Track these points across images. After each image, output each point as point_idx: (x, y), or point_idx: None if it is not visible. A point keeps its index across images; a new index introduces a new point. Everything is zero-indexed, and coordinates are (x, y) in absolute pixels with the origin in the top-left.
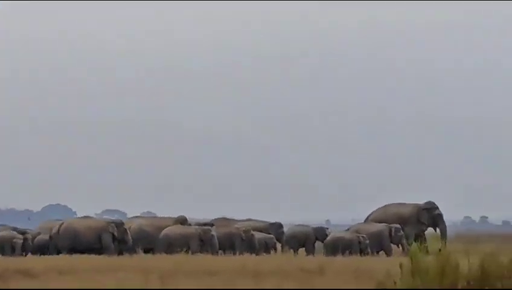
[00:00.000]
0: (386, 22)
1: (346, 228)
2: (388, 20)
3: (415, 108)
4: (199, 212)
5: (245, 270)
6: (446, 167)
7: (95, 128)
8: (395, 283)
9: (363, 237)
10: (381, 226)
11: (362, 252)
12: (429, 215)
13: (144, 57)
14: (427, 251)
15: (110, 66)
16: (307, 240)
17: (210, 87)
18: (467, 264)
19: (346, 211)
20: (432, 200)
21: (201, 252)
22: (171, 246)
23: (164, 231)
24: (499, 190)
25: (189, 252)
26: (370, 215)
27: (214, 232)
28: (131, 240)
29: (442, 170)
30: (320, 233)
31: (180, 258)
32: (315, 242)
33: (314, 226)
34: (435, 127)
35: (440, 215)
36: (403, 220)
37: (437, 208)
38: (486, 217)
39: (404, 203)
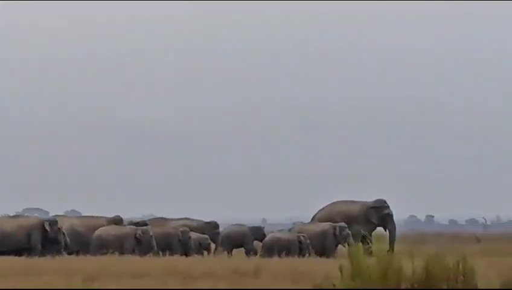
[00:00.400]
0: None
1: (289, 228)
2: None
3: (352, 102)
4: (129, 211)
5: (175, 272)
6: (390, 163)
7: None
8: (334, 285)
9: (303, 236)
10: (325, 225)
11: (302, 253)
12: (378, 214)
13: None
14: (371, 252)
15: None
16: (245, 240)
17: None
18: (411, 266)
19: (282, 210)
20: (382, 198)
21: (139, 253)
22: (104, 247)
23: (97, 232)
24: (446, 188)
25: (124, 253)
26: (316, 214)
27: (151, 233)
28: (64, 240)
29: (387, 166)
30: (258, 233)
31: (107, 260)
32: (253, 242)
33: (251, 225)
34: (378, 122)
35: (389, 215)
36: (350, 219)
37: (387, 207)
38: (432, 216)
39: (353, 201)
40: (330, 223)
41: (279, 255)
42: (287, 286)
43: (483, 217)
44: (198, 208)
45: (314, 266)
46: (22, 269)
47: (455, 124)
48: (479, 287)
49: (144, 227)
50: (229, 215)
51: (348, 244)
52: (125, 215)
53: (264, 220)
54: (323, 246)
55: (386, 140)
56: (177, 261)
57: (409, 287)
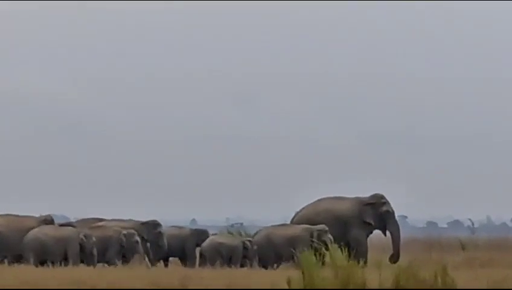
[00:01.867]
0: None
1: (256, 231)
2: None
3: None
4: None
5: (78, 284)
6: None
7: None
8: None
9: (249, 241)
10: (299, 228)
11: (249, 261)
12: (375, 212)
13: None
14: (323, 262)
15: None
16: (185, 246)
17: None
18: (378, 279)
19: (215, 209)
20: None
21: (83, 261)
22: (44, 253)
23: (32, 234)
24: (424, 181)
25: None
26: (297, 213)
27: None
28: None
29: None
30: (201, 237)
31: None
32: (195, 249)
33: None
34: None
35: (390, 213)
36: (340, 220)
37: (385, 203)
38: (406, 217)
39: (342, 197)
40: (307, 225)
41: (221, 265)
42: None
43: (469, 219)
44: (108, 207)
45: (258, 277)
46: None
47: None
48: None
49: (84, 230)
50: (149, 216)
51: (329, 253)
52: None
53: (194, 221)
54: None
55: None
56: (81, 271)
57: None
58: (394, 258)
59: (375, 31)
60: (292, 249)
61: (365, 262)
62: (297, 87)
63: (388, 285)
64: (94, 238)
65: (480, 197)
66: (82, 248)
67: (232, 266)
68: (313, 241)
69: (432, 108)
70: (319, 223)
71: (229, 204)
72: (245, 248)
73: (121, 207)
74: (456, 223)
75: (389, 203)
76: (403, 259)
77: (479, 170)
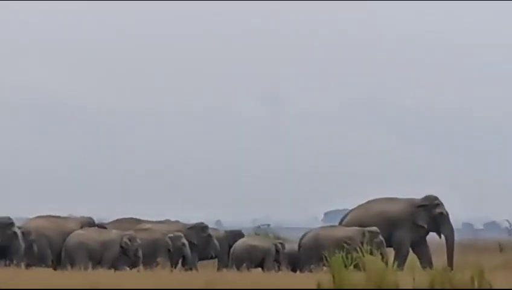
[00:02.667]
0: None
1: (305, 232)
2: None
3: None
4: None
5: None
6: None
7: None
8: None
9: (281, 244)
10: (350, 230)
11: (279, 264)
12: (427, 214)
13: None
14: (356, 265)
15: None
16: (220, 247)
17: None
18: (411, 283)
19: (241, 210)
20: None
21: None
22: (90, 257)
23: (77, 237)
24: (458, 181)
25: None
26: (346, 215)
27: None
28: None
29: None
30: (236, 239)
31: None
32: (229, 252)
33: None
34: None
35: (443, 216)
36: (391, 222)
37: (438, 204)
38: None
39: (394, 199)
40: (358, 227)
41: (250, 267)
42: None
43: (507, 220)
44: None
45: (286, 281)
46: None
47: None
48: None
49: (129, 233)
50: (173, 216)
51: (382, 255)
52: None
53: (218, 222)
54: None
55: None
56: (103, 275)
57: None
58: (448, 262)
59: None
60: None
61: (399, 265)
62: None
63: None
64: (139, 241)
65: None
66: (125, 250)
67: (265, 270)
68: (363, 244)
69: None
70: (370, 225)
71: (255, 205)
72: (277, 251)
73: (144, 208)
74: (492, 225)
75: (442, 205)
76: (439, 262)
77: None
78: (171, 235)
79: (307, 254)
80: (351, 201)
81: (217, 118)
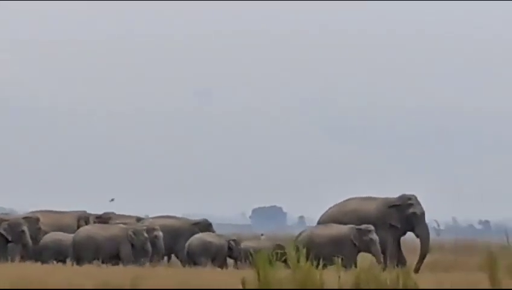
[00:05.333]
0: None
1: (300, 232)
2: None
3: None
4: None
5: (24, 284)
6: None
7: None
8: None
9: (234, 241)
10: (343, 228)
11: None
12: (400, 214)
13: None
14: (284, 261)
15: None
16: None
17: None
18: (337, 281)
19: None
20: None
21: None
22: (97, 252)
23: (84, 233)
24: (384, 176)
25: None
26: (325, 213)
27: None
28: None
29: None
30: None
31: None
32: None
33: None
34: None
35: (417, 215)
36: (365, 222)
37: (413, 204)
38: None
39: (370, 198)
40: (351, 225)
41: (204, 264)
42: None
43: (434, 220)
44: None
45: (212, 277)
46: None
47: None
48: None
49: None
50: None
51: (374, 253)
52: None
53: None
54: (340, 253)
55: None
56: (31, 269)
57: None
58: (419, 262)
59: None
60: (335, 249)
61: (385, 264)
62: None
63: (347, 287)
64: (146, 234)
65: (446, 199)
66: (132, 245)
67: (216, 266)
68: (355, 241)
69: None
70: (346, 224)
71: (186, 200)
72: (230, 248)
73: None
74: None
75: (417, 205)
76: (366, 261)
77: (444, 170)
78: (134, 229)
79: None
80: (279, 198)
81: (149, 115)
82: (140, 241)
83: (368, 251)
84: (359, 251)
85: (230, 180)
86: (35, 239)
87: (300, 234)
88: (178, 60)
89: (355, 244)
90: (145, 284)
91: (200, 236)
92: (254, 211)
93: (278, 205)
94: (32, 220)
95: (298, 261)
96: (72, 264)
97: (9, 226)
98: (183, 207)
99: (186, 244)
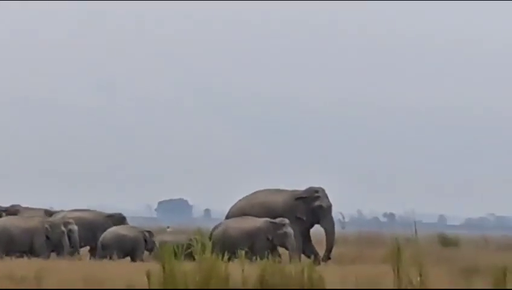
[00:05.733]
0: None
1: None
2: None
3: None
4: None
5: None
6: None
7: None
8: None
9: (148, 233)
10: (259, 221)
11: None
12: (307, 207)
13: None
14: (192, 254)
15: None
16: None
17: None
18: (241, 274)
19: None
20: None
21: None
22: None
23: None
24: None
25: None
26: (234, 205)
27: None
28: None
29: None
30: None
31: None
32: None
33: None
34: None
35: (322, 208)
36: (273, 214)
37: (319, 197)
38: None
39: (279, 190)
40: (267, 219)
41: (119, 257)
42: None
43: (340, 213)
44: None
45: (116, 270)
46: None
47: None
48: None
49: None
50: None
51: (287, 248)
52: None
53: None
54: (254, 247)
55: None
56: None
57: None
58: (326, 255)
59: None
60: (249, 243)
61: (299, 259)
62: None
63: (252, 280)
64: (63, 228)
65: (352, 191)
66: (47, 237)
67: (136, 259)
68: (268, 235)
69: None
70: (252, 215)
71: (90, 192)
72: (145, 240)
73: None
74: None
75: (323, 198)
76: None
77: (350, 162)
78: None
79: (217, 247)
80: (185, 191)
81: (48, 108)
82: (57, 234)
83: (283, 244)
84: (274, 245)
85: (135, 172)
86: None
87: (216, 227)
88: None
89: (268, 238)
90: (49, 277)
91: (114, 229)
92: (160, 203)
93: (184, 197)
94: None
95: (203, 253)
96: None
97: None
98: (87, 200)
99: (100, 237)
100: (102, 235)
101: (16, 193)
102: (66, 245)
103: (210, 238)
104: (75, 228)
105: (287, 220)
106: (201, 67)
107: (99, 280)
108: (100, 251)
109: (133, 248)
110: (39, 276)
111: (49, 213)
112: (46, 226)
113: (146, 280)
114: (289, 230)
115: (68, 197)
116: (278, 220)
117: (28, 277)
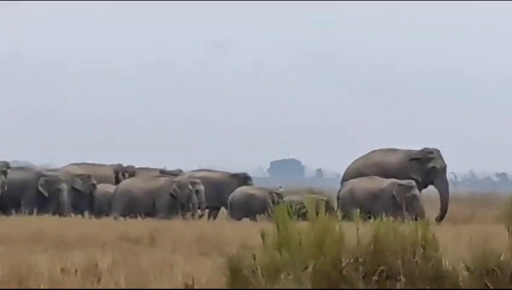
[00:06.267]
0: None
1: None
2: None
3: None
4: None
5: (45, 237)
6: None
7: None
8: (254, 257)
9: (276, 194)
10: (384, 182)
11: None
12: (421, 167)
13: None
14: (304, 214)
15: None
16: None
17: None
18: (356, 234)
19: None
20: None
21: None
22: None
23: (124, 185)
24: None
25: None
26: (349, 166)
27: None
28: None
29: None
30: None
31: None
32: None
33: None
34: None
35: (436, 169)
36: (388, 174)
37: (433, 158)
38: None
39: (394, 150)
40: (393, 179)
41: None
42: (193, 258)
43: (452, 172)
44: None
45: (230, 230)
46: None
47: None
48: (443, 263)
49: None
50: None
51: (414, 209)
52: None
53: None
54: (380, 208)
55: None
56: (47, 222)
57: (352, 261)
58: (440, 216)
59: None
60: (375, 203)
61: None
62: None
63: (367, 239)
64: (190, 187)
65: (464, 151)
66: (175, 198)
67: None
68: (396, 196)
69: None
70: (368, 175)
71: (202, 154)
72: (272, 201)
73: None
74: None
75: (438, 159)
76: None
77: (462, 123)
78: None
79: (344, 206)
80: (297, 151)
81: (161, 69)
82: (185, 194)
83: (410, 206)
84: (399, 207)
85: (248, 133)
86: (91, 195)
87: (342, 187)
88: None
89: (396, 200)
90: (163, 237)
91: (243, 189)
92: (272, 163)
93: (296, 158)
94: (85, 177)
95: (317, 214)
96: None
97: (46, 182)
98: (202, 160)
99: (229, 197)
100: (231, 195)
101: (131, 153)
102: (194, 205)
103: (338, 198)
104: (201, 188)
105: (413, 182)
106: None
107: (212, 240)
108: (229, 210)
109: (262, 208)
110: (153, 236)
111: (164, 173)
112: (174, 187)
113: (260, 239)
114: (417, 192)
115: (180, 158)
116: (405, 182)
117: (143, 237)
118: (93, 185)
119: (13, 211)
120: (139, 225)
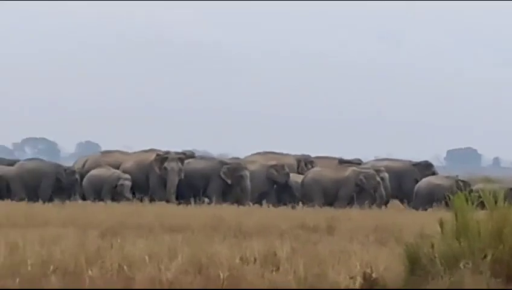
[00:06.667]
0: None
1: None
2: None
3: None
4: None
5: (223, 225)
6: None
7: None
8: (432, 246)
9: (463, 182)
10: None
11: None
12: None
13: None
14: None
15: None
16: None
17: None
18: None
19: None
20: None
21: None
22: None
23: (312, 175)
24: None
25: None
26: None
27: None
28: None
29: None
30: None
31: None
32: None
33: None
34: None
35: None
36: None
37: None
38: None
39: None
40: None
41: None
42: (370, 247)
43: None
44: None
45: (407, 219)
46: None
47: None
48: None
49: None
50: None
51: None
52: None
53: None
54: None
55: None
56: (226, 211)
57: None
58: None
59: None
60: None
61: None
62: None
63: None
64: (378, 178)
65: None
66: (358, 187)
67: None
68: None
69: None
70: None
71: (375, 143)
72: (459, 189)
73: None
74: None
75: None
76: None
77: None
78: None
79: None
80: (474, 140)
81: (326, 60)
82: (371, 185)
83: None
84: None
85: (425, 122)
86: (286, 183)
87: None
88: None
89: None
90: (341, 226)
91: (429, 179)
92: (448, 152)
93: (472, 146)
94: (279, 166)
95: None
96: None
97: (229, 170)
98: (380, 149)
99: (416, 187)
100: (417, 185)
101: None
102: (381, 195)
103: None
104: (386, 175)
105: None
106: None
107: (389, 229)
108: (414, 199)
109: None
110: (331, 225)
111: (343, 162)
112: (361, 177)
113: (438, 228)
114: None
115: (358, 147)
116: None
117: (320, 225)
118: (287, 174)
119: (192, 200)
120: (317, 214)
